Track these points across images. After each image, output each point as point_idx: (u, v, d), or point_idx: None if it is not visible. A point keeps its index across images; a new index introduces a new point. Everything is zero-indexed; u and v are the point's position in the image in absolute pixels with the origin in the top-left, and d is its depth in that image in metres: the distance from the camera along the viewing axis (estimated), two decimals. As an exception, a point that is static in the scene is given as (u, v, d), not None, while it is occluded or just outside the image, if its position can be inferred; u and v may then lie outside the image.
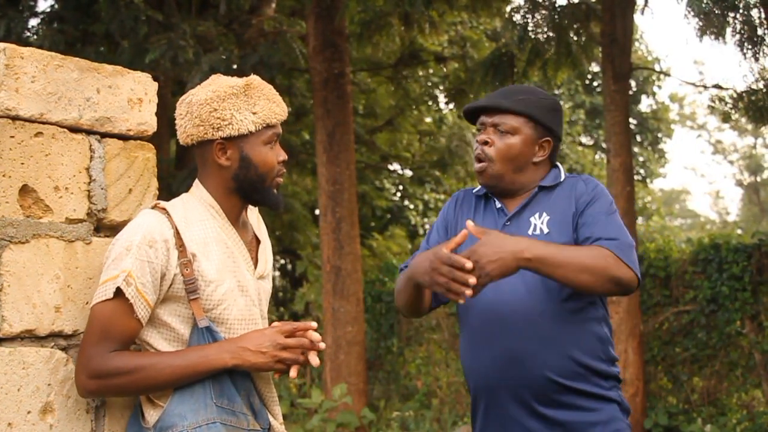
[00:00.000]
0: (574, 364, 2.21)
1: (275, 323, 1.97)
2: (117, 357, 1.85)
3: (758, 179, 32.25)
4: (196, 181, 2.06)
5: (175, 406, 1.88)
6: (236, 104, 1.96)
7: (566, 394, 2.22)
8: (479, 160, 2.34)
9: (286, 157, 2.04)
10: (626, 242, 2.17)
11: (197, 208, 2.00)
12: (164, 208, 1.96)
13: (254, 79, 2.02)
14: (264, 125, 1.98)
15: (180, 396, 1.89)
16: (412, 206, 16.71)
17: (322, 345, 1.96)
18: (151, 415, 1.91)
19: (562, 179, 2.36)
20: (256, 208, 2.20)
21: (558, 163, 2.42)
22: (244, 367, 1.91)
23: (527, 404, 2.23)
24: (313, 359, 1.96)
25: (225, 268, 1.97)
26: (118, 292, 1.84)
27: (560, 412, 2.22)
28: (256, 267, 2.07)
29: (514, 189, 2.35)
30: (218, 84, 2.00)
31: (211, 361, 1.88)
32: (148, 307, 1.88)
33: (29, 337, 1.86)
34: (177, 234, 1.92)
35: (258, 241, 2.13)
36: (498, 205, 2.36)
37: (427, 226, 16.65)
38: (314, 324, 1.96)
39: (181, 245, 1.91)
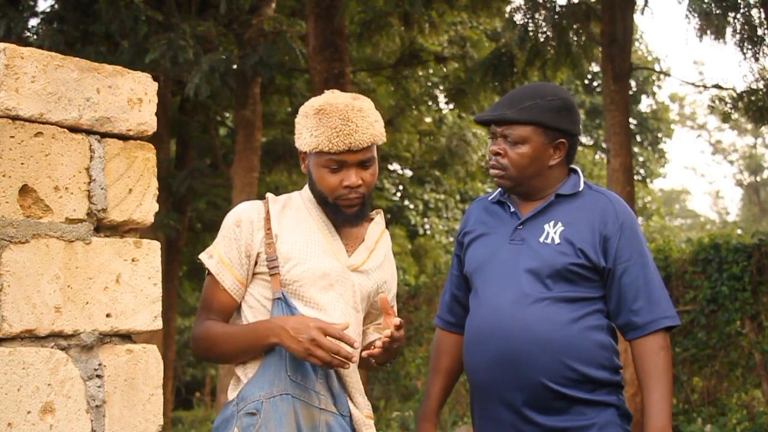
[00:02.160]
0: (569, 371, 2.19)
1: (320, 320, 2.01)
2: (204, 324, 2.12)
3: (758, 179, 32.27)
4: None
5: (257, 379, 2.05)
6: (306, 123, 2.12)
7: (560, 400, 2.20)
8: (495, 169, 2.33)
9: (356, 182, 2.09)
10: (668, 305, 2.30)
11: (298, 201, 2.22)
12: (267, 199, 2.20)
13: (329, 105, 2.09)
14: (317, 150, 2.08)
15: (263, 369, 2.06)
16: (412, 206, 16.71)
17: (355, 359, 2.02)
18: (236, 389, 2.08)
19: (581, 188, 2.34)
20: (382, 222, 2.31)
21: (577, 168, 2.39)
22: (283, 347, 2.01)
23: (518, 409, 2.22)
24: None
25: (307, 251, 2.13)
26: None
27: (551, 418, 2.21)
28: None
29: (533, 192, 2.34)
30: (313, 100, 2.16)
31: (259, 335, 2.04)
32: (237, 281, 2.11)
33: (29, 337, 1.86)
34: (267, 217, 2.13)
35: (362, 241, 2.24)
36: (512, 209, 2.36)
37: (427, 226, 16.64)
38: (348, 323, 2.02)
39: (268, 228, 2.12)
